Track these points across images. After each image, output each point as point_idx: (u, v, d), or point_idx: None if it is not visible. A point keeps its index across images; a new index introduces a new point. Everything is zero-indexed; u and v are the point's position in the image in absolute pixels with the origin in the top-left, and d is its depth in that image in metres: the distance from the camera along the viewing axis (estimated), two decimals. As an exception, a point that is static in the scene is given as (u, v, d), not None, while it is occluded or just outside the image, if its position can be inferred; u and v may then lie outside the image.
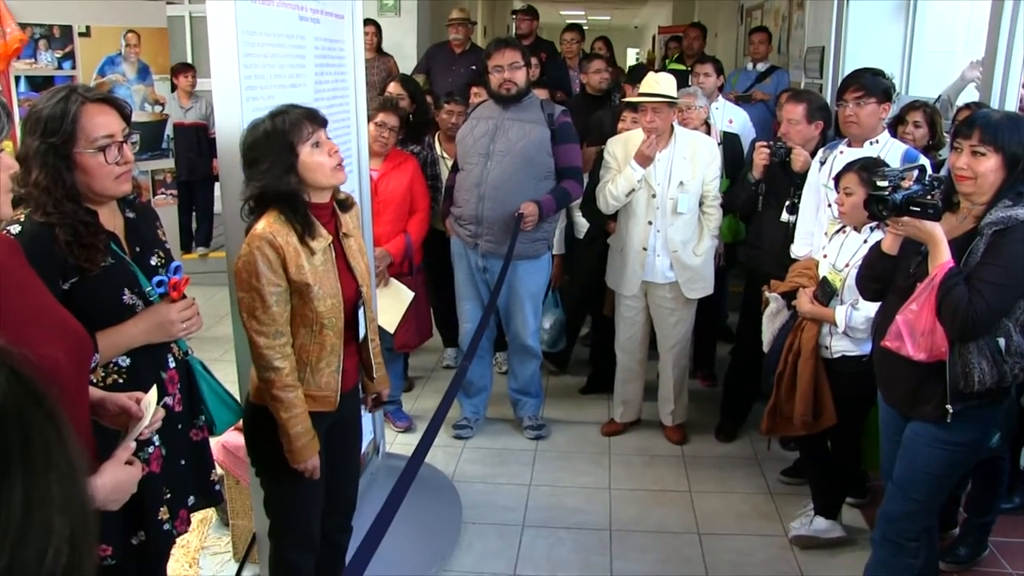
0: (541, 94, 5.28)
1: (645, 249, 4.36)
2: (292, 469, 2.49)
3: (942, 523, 3.35)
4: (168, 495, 2.23)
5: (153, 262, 2.26)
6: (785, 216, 4.12)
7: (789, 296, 3.60)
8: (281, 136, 2.37)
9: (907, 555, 2.85)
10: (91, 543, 0.81)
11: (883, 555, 2.90)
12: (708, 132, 4.81)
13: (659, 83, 4.20)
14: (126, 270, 2.15)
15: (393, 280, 4.36)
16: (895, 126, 4.41)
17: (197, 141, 8.00)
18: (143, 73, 6.72)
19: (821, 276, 3.46)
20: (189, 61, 8.84)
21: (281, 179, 2.36)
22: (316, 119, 2.45)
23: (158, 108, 6.94)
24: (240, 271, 2.37)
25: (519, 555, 3.63)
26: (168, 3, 7.73)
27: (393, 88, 4.90)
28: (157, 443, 2.19)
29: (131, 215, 2.27)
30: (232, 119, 2.65)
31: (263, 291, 2.35)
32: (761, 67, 7.34)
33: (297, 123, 2.40)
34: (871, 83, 3.64)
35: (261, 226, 2.37)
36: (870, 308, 3.14)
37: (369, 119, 3.98)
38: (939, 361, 2.57)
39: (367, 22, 6.85)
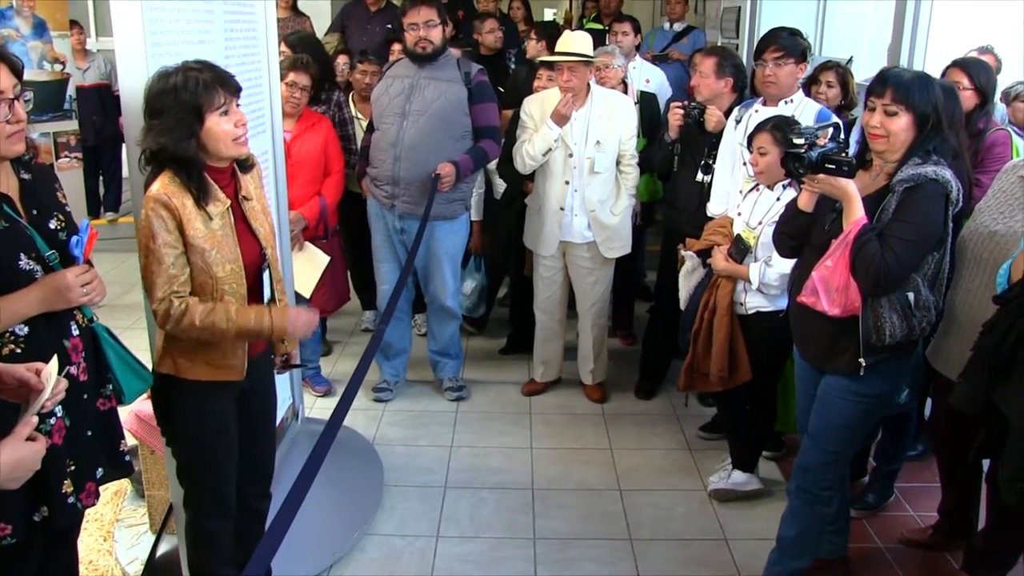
0: (455, 53, 5.21)
1: (563, 209, 4.35)
2: (203, 436, 2.45)
3: (853, 472, 3.46)
4: (72, 467, 2.14)
5: (52, 226, 2.14)
6: (700, 176, 4.15)
7: (705, 254, 3.63)
8: (191, 97, 2.27)
9: (821, 504, 2.93)
10: None
11: (798, 505, 2.97)
12: (625, 91, 4.81)
13: (575, 42, 4.17)
14: (22, 234, 2.04)
15: (308, 244, 4.27)
16: (808, 86, 4.46)
17: (101, 103, 7.68)
18: (39, 29, 6.41)
19: (735, 234, 3.50)
20: (91, 17, 8.47)
21: (180, 143, 2.27)
22: (230, 87, 2.36)
23: (58, 67, 6.63)
24: (139, 235, 2.31)
25: (442, 516, 3.62)
26: (64, -44, 7.36)
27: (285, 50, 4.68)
28: (60, 414, 2.09)
29: (26, 176, 2.13)
30: (137, 77, 2.51)
31: (159, 252, 2.28)
32: (678, 27, 7.37)
33: (210, 87, 2.30)
34: (790, 43, 3.68)
35: (156, 187, 2.28)
36: (783, 265, 3.20)
37: (280, 79, 3.87)
38: (852, 316, 2.63)
39: (283, -22, 6.65)
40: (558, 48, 4.23)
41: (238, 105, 2.40)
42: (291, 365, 2.88)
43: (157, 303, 2.31)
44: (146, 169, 2.37)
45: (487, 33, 5.99)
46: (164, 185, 2.28)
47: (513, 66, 6.25)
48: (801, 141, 2.64)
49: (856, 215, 2.55)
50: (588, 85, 4.29)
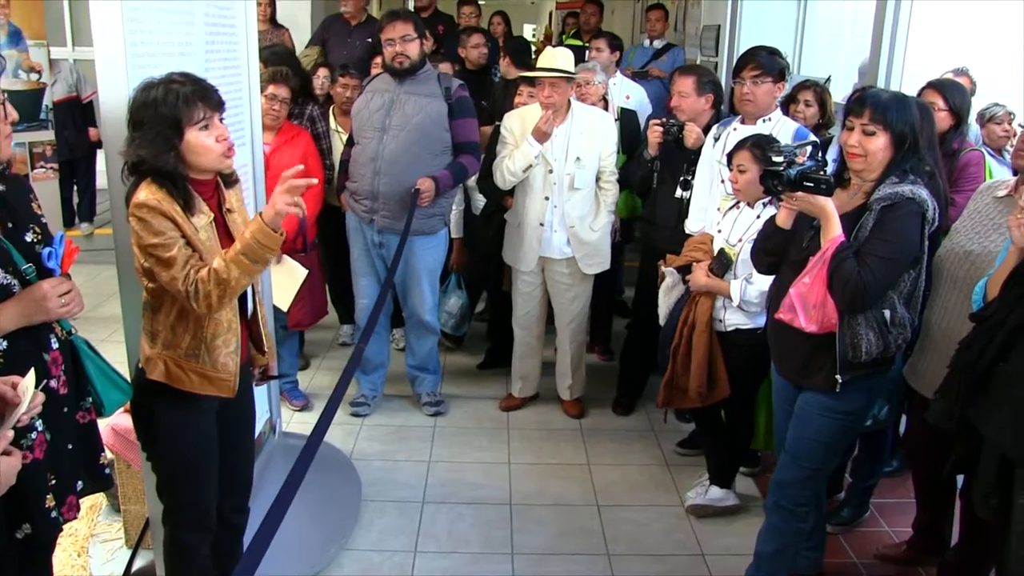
0: (446, 68, 5.22)
1: (542, 224, 4.36)
2: (184, 450, 2.43)
3: (829, 488, 3.48)
4: (53, 481, 2.12)
5: (28, 238, 2.12)
6: (679, 192, 4.18)
7: (685, 270, 3.66)
8: (170, 110, 2.26)
9: (798, 520, 2.95)
10: None
11: (775, 521, 2.99)
12: (606, 108, 4.84)
13: (557, 58, 4.19)
14: None
15: (286, 257, 4.25)
16: (786, 104, 4.50)
17: (73, 117, 7.54)
18: (15, 37, 6.33)
19: (718, 249, 3.52)
20: (67, 26, 8.39)
21: (159, 155, 2.26)
22: (211, 101, 2.34)
23: (34, 76, 6.56)
24: (137, 241, 2.27)
25: (420, 531, 3.61)
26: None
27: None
28: (40, 428, 2.07)
29: (0, 188, 2.12)
30: (117, 88, 2.50)
31: (165, 241, 2.25)
32: (658, 44, 7.42)
33: (190, 102, 2.28)
34: (768, 62, 3.71)
35: (143, 195, 2.25)
36: (764, 282, 3.22)
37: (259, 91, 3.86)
38: (829, 333, 2.65)
39: (261, -8, 6.64)
40: (540, 64, 4.24)
41: (221, 120, 2.39)
42: (269, 377, 2.87)
43: (183, 284, 2.26)
44: (128, 179, 2.35)
45: (472, 48, 6.00)
46: (152, 192, 2.25)
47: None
48: (780, 159, 2.66)
49: (834, 233, 2.58)
50: (569, 101, 4.31)
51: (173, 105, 2.26)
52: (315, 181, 2.44)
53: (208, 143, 2.33)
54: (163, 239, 2.24)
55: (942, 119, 3.54)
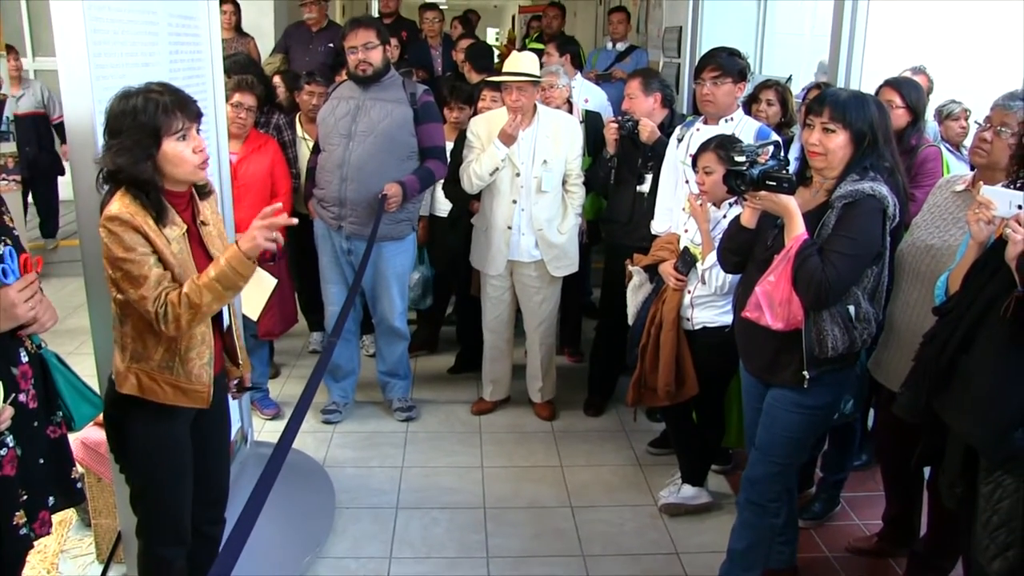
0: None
1: (510, 228, 4.37)
2: (158, 462, 2.42)
3: (800, 483, 3.52)
4: (25, 497, 2.10)
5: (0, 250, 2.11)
6: (637, 186, 4.25)
7: (652, 270, 3.68)
8: (150, 119, 2.24)
9: (769, 515, 2.98)
10: None
11: (747, 516, 3.01)
12: (570, 111, 4.86)
13: (523, 62, 4.21)
14: None
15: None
16: (749, 104, 4.56)
17: (37, 133, 7.45)
18: (-28, 50, 6.27)
19: (682, 247, 3.55)
20: (26, 37, 8.28)
21: (137, 164, 2.24)
22: (190, 112, 2.33)
23: (-5, 89, 6.50)
24: (107, 254, 2.25)
25: (394, 537, 3.61)
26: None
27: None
28: (11, 444, 2.05)
29: None
30: (82, 101, 2.49)
31: (137, 259, 2.23)
32: (620, 46, 7.47)
33: (170, 112, 2.27)
34: (728, 63, 3.75)
35: (116, 207, 2.23)
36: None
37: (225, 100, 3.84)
38: (795, 329, 2.68)
39: (225, 0, 6.61)
40: (506, 68, 4.26)
41: (198, 131, 2.38)
42: (245, 388, 2.85)
43: (153, 305, 2.25)
44: (103, 188, 2.33)
45: (459, 52, 6.12)
46: (125, 205, 2.24)
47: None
48: (742, 159, 2.69)
49: (797, 231, 2.61)
50: (535, 105, 4.33)
51: (152, 115, 2.25)
52: (294, 221, 2.44)
53: (185, 154, 2.31)
54: (134, 255, 2.23)
55: (899, 116, 3.59)
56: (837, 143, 2.64)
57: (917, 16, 4.86)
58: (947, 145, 4.13)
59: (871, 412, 3.70)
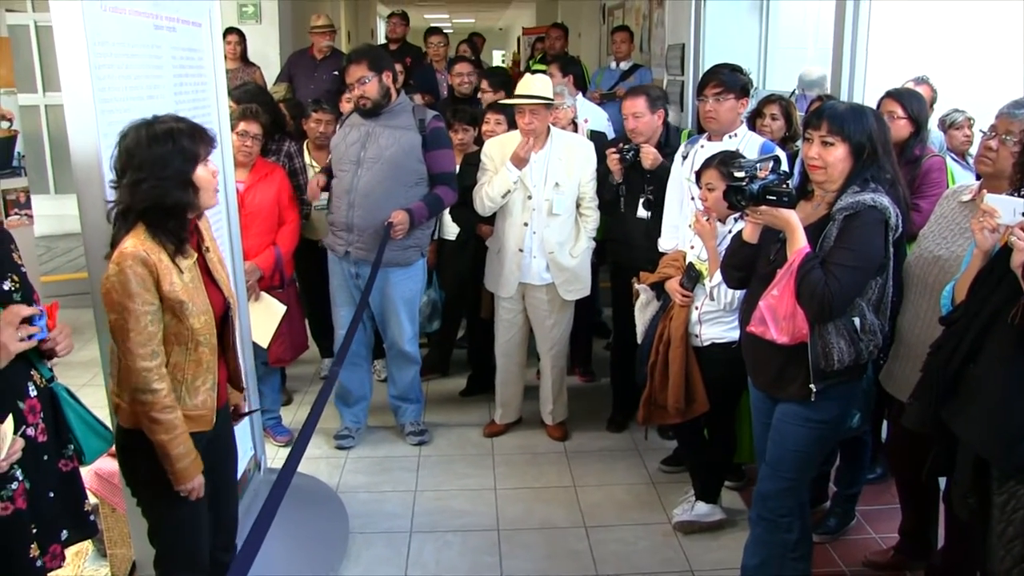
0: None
1: (521, 251, 4.38)
2: (174, 492, 2.41)
3: (813, 498, 3.49)
4: (36, 530, 2.11)
5: (6, 287, 2.13)
6: (641, 212, 4.24)
7: (659, 288, 3.68)
8: (191, 145, 2.29)
9: (782, 531, 2.95)
10: None
11: (760, 533, 3.00)
12: (575, 130, 4.88)
13: (535, 85, 4.23)
14: None
15: (264, 294, 4.27)
16: (753, 119, 4.56)
17: None
18: (-17, 86, 6.34)
19: (687, 263, 3.55)
20: (37, 72, 8.36)
21: (174, 191, 2.27)
22: (208, 139, 2.38)
23: (5, 124, 6.56)
24: (110, 292, 2.26)
25: (408, 561, 3.60)
26: (8, 11, 7.27)
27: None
28: (20, 477, 2.06)
29: None
30: (87, 133, 2.52)
31: (137, 311, 2.24)
32: (624, 65, 7.50)
33: (204, 138, 2.33)
34: (730, 79, 3.75)
35: (130, 244, 2.25)
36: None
37: (231, 129, 3.88)
38: (801, 343, 2.68)
39: (230, 31, 6.68)
40: (518, 91, 4.28)
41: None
42: (242, 414, 2.87)
43: (138, 360, 2.27)
44: (115, 225, 2.34)
45: (455, 76, 6.15)
46: (141, 241, 2.26)
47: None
48: (742, 174, 2.69)
49: (799, 244, 2.61)
50: (548, 128, 4.35)
51: (191, 139, 2.29)
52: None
53: (211, 179, 2.37)
54: (133, 304, 2.24)
55: (902, 127, 3.60)
56: (836, 156, 2.64)
57: (919, 27, 4.85)
58: (952, 155, 4.12)
59: (884, 424, 3.67)
